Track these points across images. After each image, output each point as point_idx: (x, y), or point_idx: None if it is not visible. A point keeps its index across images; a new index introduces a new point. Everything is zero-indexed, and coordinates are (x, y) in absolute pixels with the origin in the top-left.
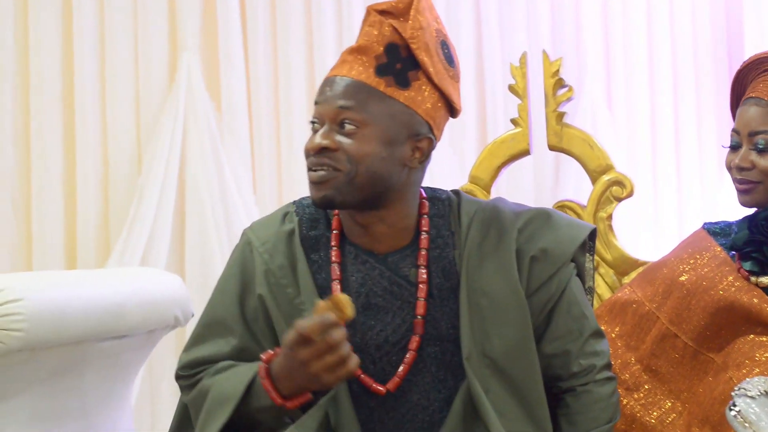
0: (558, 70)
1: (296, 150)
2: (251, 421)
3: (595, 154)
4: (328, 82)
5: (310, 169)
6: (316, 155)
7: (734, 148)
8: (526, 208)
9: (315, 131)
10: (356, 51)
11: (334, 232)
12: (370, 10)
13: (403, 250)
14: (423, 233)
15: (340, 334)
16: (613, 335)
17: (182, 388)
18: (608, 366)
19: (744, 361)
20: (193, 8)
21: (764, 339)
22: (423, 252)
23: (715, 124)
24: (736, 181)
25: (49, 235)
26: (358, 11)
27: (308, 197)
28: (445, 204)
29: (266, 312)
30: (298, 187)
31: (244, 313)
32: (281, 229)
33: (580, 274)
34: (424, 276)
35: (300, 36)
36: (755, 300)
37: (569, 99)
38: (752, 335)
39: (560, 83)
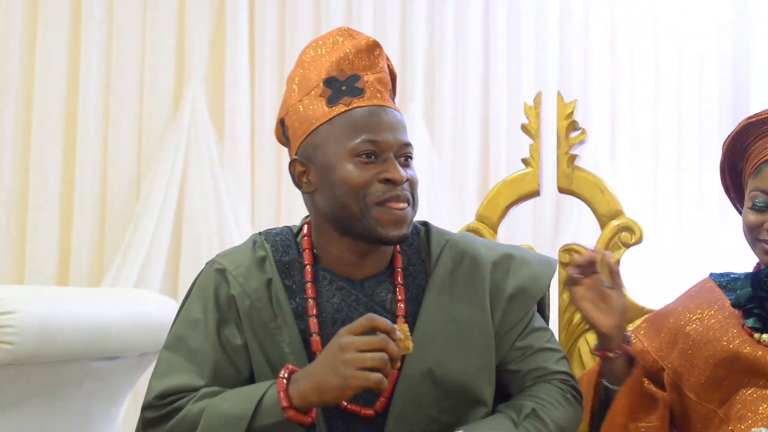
0: (572, 112)
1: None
2: None
3: (605, 198)
4: (385, 113)
5: (388, 202)
6: (402, 188)
7: (762, 209)
8: (497, 244)
9: (369, 162)
10: (382, 82)
11: (306, 252)
12: (377, 43)
13: (378, 275)
14: (396, 254)
15: (394, 346)
16: None
17: (151, 420)
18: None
19: (746, 414)
20: (201, 38)
21: (767, 392)
22: (399, 271)
23: (718, 176)
24: None
25: (42, 254)
26: None
27: (274, 229)
28: (413, 233)
29: (243, 335)
30: (296, 221)
31: (221, 341)
32: (254, 255)
33: (543, 303)
34: (401, 295)
35: None
36: (759, 352)
37: (582, 142)
38: (754, 388)
39: (573, 125)
